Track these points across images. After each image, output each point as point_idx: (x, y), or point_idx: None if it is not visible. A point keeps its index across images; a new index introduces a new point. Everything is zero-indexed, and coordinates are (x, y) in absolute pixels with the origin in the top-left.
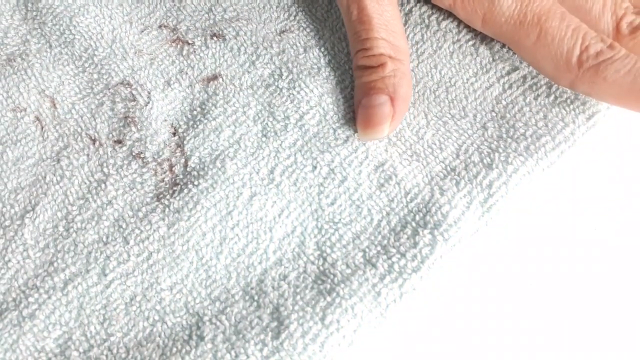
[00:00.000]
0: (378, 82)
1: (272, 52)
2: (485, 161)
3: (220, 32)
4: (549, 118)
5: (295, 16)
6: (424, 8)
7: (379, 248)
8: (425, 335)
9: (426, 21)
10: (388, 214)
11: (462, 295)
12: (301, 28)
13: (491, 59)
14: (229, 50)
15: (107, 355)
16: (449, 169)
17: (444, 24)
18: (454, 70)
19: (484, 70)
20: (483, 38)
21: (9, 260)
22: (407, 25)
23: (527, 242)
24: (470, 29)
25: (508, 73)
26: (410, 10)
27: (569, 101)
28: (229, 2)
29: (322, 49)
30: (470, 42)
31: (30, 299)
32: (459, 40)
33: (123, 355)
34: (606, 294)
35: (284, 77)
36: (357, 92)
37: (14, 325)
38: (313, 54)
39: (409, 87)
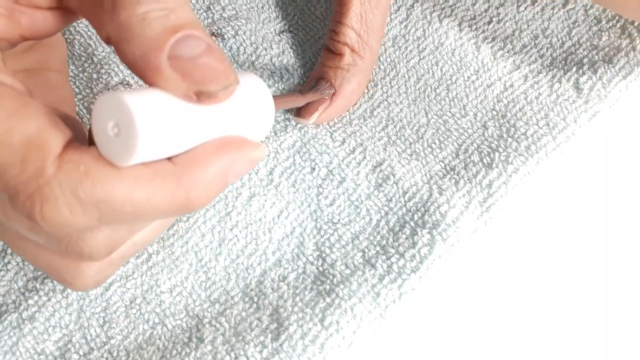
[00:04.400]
0: (330, 70)
1: (272, 54)
2: (485, 161)
3: (219, 31)
4: (550, 117)
5: (294, 16)
6: (426, 4)
7: (377, 248)
8: (424, 335)
9: (428, 17)
10: (387, 213)
11: (461, 295)
12: (300, 28)
13: (493, 57)
14: (227, 49)
15: (107, 358)
16: (448, 168)
17: (445, 21)
18: (455, 67)
19: (486, 68)
20: (485, 36)
21: (8, 262)
22: (408, 20)
23: (526, 242)
24: (472, 27)
25: (510, 71)
26: (412, 6)
27: (570, 100)
28: (227, 1)
29: (322, 49)
30: (472, 40)
31: (30, 301)
32: (460, 37)
33: (123, 358)
34: (606, 294)
35: (284, 80)
36: (316, 68)
37: (14, 327)
38: (313, 54)
39: (359, 86)
